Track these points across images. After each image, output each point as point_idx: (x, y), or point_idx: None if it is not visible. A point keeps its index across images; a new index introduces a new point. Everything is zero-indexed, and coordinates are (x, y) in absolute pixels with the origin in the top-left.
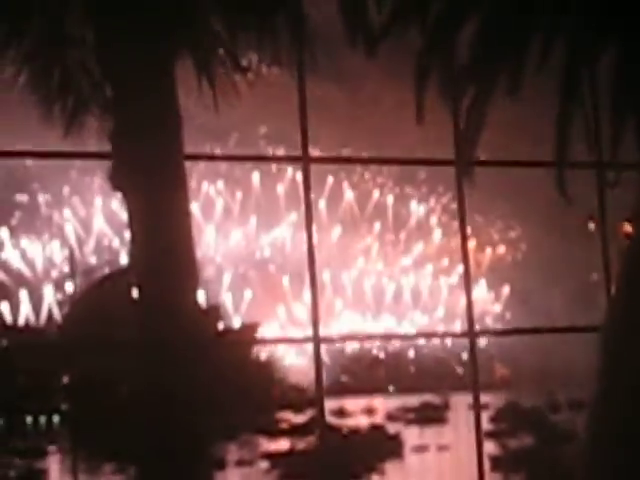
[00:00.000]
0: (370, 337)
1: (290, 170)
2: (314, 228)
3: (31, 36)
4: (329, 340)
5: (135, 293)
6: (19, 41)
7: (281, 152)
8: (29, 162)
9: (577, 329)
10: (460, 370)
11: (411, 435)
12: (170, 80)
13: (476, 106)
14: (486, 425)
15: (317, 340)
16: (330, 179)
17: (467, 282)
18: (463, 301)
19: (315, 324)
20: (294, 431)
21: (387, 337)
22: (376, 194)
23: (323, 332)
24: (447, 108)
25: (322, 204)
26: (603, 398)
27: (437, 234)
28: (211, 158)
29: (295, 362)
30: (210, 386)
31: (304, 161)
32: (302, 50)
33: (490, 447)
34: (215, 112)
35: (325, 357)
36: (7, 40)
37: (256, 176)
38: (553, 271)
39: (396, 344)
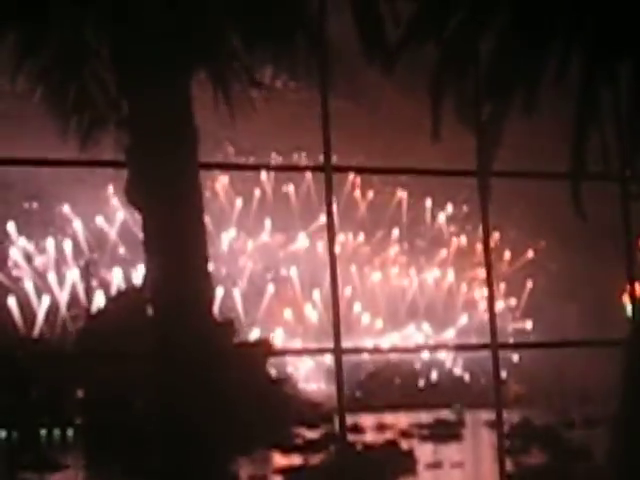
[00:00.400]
0: (391, 350)
1: (306, 182)
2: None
3: (47, 51)
4: (350, 351)
5: (150, 307)
6: (35, 56)
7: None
8: (46, 173)
9: (597, 343)
10: (476, 387)
11: (425, 452)
12: (186, 95)
13: (493, 122)
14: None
15: (338, 351)
16: (345, 190)
17: (490, 294)
18: (481, 315)
19: (336, 335)
20: (309, 446)
21: (408, 350)
22: (393, 206)
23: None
24: (463, 124)
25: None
26: (625, 410)
27: (457, 247)
28: (234, 167)
29: (311, 378)
30: (225, 401)
31: (326, 170)
32: (325, 59)
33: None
34: (232, 127)
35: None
36: (23, 55)
37: (271, 186)
38: (571, 286)
39: (412, 361)
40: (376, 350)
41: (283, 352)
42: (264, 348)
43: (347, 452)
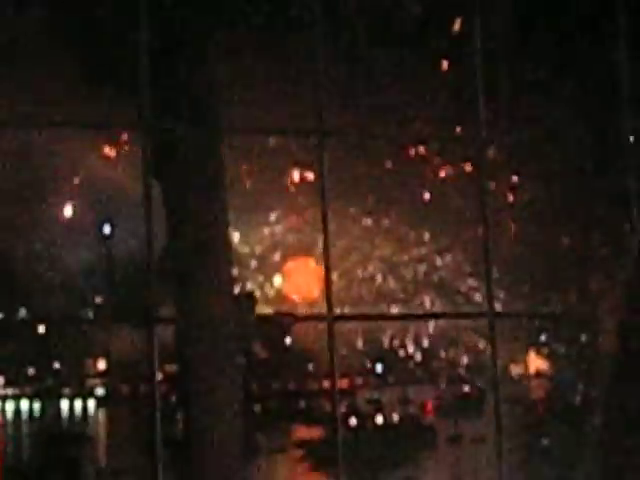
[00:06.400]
0: (385, 317)
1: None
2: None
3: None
4: (343, 318)
5: (171, 279)
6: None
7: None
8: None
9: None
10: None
11: (446, 426)
12: (209, 66)
13: None
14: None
15: (331, 318)
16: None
17: (487, 260)
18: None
19: (329, 302)
20: (329, 419)
21: (402, 317)
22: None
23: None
24: None
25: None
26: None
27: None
28: (234, 130)
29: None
30: (244, 372)
31: (318, 134)
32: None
33: (524, 438)
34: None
35: (359, 346)
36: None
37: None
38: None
39: (432, 335)
40: (369, 317)
41: (275, 317)
42: (282, 321)
43: (364, 427)
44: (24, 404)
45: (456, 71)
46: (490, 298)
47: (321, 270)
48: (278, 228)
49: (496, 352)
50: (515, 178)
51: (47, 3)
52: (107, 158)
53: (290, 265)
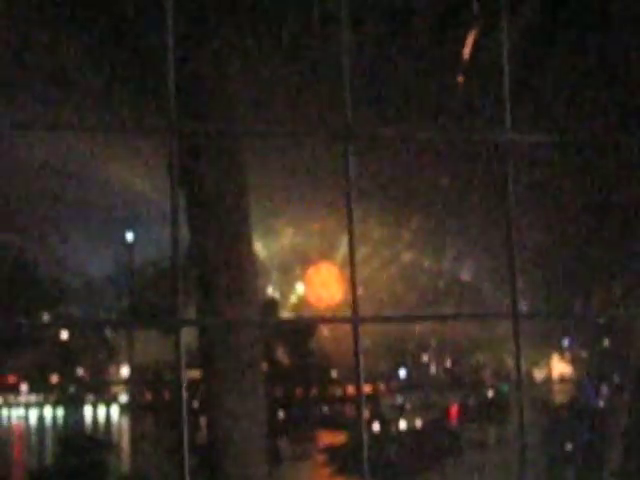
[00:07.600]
0: (409, 319)
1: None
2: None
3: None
4: (369, 320)
5: (195, 285)
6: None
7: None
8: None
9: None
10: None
11: (471, 431)
12: (234, 76)
13: None
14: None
15: (356, 320)
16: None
17: (510, 261)
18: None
19: (354, 303)
20: (352, 424)
21: (427, 318)
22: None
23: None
24: None
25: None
26: None
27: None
28: (250, 132)
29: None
30: (268, 378)
31: (345, 139)
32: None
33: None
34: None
35: (382, 351)
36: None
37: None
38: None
39: (457, 342)
40: (396, 319)
41: (299, 321)
42: (304, 329)
43: (387, 432)
44: (47, 411)
45: (481, 73)
46: (514, 300)
47: (344, 277)
48: (301, 234)
49: (520, 353)
50: (540, 179)
51: (75, 13)
52: (131, 164)
53: (314, 271)
